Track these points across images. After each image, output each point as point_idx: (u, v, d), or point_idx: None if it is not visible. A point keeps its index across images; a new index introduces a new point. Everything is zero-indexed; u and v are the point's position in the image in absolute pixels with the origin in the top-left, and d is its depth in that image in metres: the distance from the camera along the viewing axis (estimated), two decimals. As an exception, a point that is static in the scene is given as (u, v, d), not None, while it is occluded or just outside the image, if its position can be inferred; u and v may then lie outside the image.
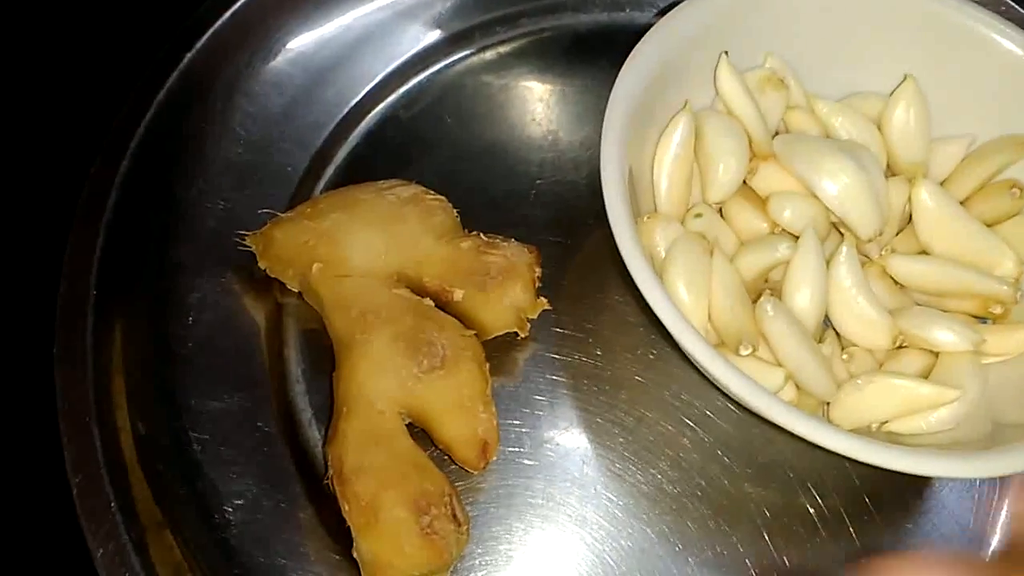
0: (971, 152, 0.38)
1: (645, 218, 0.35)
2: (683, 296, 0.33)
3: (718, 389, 0.32)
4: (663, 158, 0.36)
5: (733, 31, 0.37)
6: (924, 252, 0.37)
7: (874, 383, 0.33)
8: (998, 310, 0.35)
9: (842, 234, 0.36)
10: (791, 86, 0.38)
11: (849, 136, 0.37)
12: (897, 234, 0.37)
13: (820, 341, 0.35)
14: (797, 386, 0.34)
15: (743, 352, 0.33)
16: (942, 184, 0.38)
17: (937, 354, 0.35)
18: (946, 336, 0.34)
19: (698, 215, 0.36)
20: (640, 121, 0.35)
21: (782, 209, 0.35)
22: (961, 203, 0.37)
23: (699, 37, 0.36)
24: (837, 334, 0.35)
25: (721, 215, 0.37)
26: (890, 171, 0.38)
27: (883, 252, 0.36)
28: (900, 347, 0.35)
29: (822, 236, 0.35)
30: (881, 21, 0.38)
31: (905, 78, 0.37)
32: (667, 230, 0.35)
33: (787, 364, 0.33)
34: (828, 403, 0.34)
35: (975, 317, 0.36)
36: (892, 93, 0.38)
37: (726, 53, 0.36)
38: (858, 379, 0.33)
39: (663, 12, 0.36)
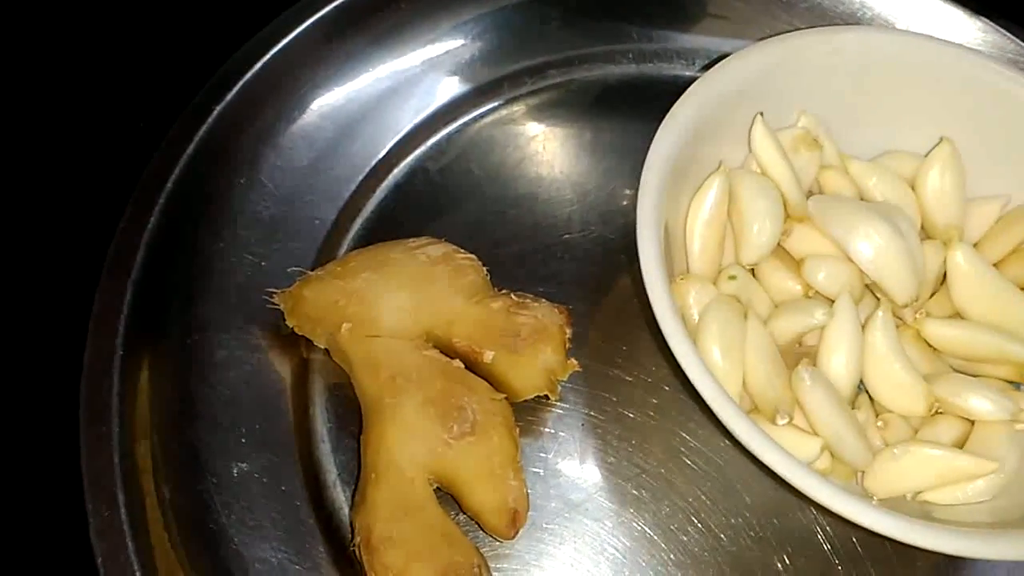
0: (1006, 213, 0.38)
1: (679, 279, 0.35)
2: (718, 361, 0.33)
3: (752, 456, 0.31)
4: (696, 218, 0.36)
5: (768, 90, 0.37)
6: (958, 315, 0.36)
7: (910, 453, 0.33)
8: None
9: (877, 297, 0.35)
10: (825, 145, 0.38)
11: (883, 197, 0.37)
12: (931, 296, 0.37)
13: (854, 406, 0.34)
14: (831, 454, 0.33)
15: (780, 422, 0.32)
16: (976, 245, 0.37)
17: (973, 421, 0.34)
18: (983, 405, 0.33)
19: (732, 277, 0.35)
20: (675, 180, 0.34)
21: (817, 272, 0.35)
22: (995, 264, 0.37)
23: (735, 96, 0.36)
24: (871, 399, 0.35)
25: (754, 276, 0.37)
26: (924, 232, 0.38)
27: (917, 316, 0.35)
28: (936, 413, 0.34)
29: (856, 299, 0.35)
30: (916, 81, 0.37)
31: (941, 140, 0.37)
32: (701, 292, 0.35)
33: (823, 433, 0.33)
34: (863, 471, 0.33)
35: (1010, 382, 0.36)
36: (927, 155, 0.37)
37: (761, 114, 0.36)
38: (894, 449, 0.33)
39: (707, 67, 0.36)
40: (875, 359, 0.34)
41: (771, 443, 0.29)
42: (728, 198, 0.36)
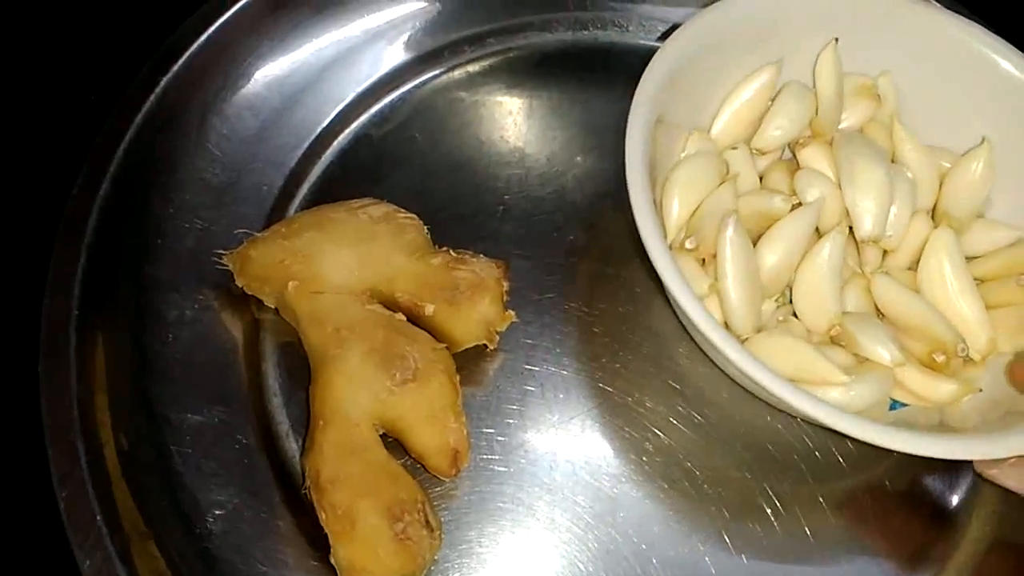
0: (1015, 243, 0.38)
1: (692, 132, 0.38)
2: (673, 202, 0.36)
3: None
4: (739, 95, 0.39)
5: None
6: (916, 289, 0.37)
7: (777, 338, 0.34)
8: (940, 358, 0.35)
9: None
10: (888, 101, 0.40)
11: (909, 168, 0.38)
12: (909, 268, 0.38)
13: (780, 304, 0.37)
14: (722, 311, 0.35)
15: (688, 246, 0.35)
16: (972, 260, 0.38)
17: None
18: (872, 344, 0.35)
19: (734, 147, 0.38)
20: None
21: (807, 184, 0.37)
22: (976, 279, 0.37)
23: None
24: (795, 315, 0.36)
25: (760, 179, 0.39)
26: (934, 221, 0.39)
27: (875, 271, 0.37)
28: (834, 340, 0.36)
29: (831, 224, 0.36)
30: (971, 84, 0.39)
31: (983, 141, 0.38)
32: (699, 143, 0.38)
33: (720, 281, 0.35)
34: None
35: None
36: (966, 152, 0.39)
37: (836, 40, 0.39)
38: (773, 327, 0.35)
39: (666, 35, 0.38)
40: (811, 263, 0.35)
41: (746, 353, 0.31)
42: (771, 92, 0.39)
